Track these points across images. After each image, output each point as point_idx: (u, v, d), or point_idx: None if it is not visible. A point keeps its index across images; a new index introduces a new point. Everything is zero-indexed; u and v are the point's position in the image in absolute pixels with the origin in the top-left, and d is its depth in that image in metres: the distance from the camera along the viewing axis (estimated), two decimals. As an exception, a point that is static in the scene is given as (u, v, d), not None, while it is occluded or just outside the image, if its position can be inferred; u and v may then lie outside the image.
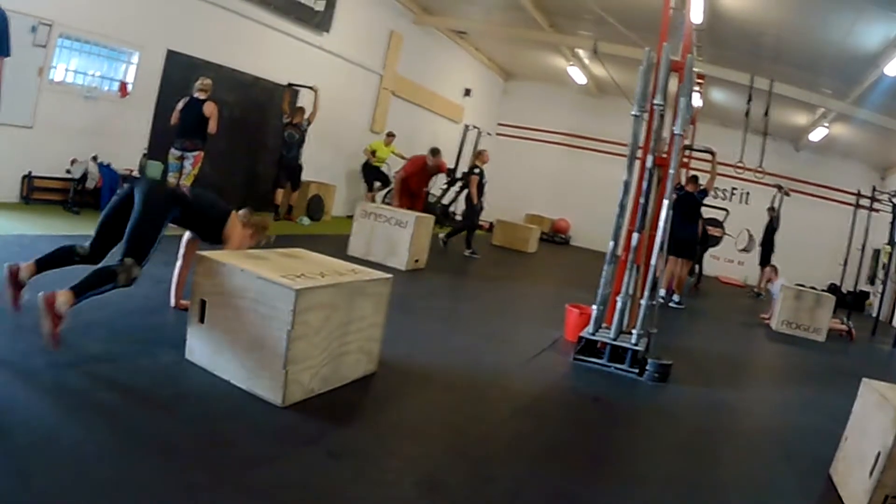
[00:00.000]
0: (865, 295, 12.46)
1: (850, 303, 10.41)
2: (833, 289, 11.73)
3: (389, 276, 3.56)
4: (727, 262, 14.57)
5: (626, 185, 4.90)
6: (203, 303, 3.20)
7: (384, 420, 3.05)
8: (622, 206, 4.88)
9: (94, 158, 7.02)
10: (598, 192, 15.28)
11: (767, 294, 10.64)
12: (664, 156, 5.14)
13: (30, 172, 6.66)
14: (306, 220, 9.90)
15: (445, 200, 13.50)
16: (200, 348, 3.22)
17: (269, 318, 2.90)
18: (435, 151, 8.97)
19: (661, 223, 4.81)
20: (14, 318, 3.24)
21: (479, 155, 10.01)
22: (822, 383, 5.85)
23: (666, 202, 4.82)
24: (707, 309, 9.60)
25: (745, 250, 12.95)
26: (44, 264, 3.34)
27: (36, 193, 6.75)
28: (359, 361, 3.43)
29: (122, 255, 3.37)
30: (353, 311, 3.26)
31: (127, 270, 3.32)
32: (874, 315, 10.93)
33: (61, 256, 3.41)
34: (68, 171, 6.85)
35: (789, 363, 6.70)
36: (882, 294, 10.37)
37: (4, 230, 5.27)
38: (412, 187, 8.91)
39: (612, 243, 4.87)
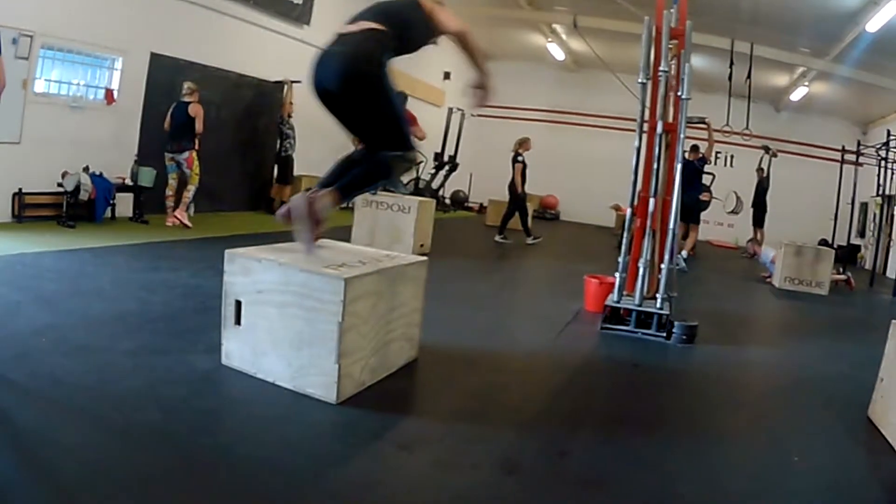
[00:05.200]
0: (857, 248, 12.66)
1: (842, 257, 10.57)
2: (824, 244, 11.87)
3: (425, 258, 3.52)
4: (717, 225, 14.69)
5: (638, 151, 4.94)
6: (238, 304, 3.09)
7: (441, 406, 3.01)
8: (636, 173, 4.92)
9: (86, 169, 6.86)
10: (583, 166, 15.37)
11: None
12: (670, 122, 5.15)
13: (20, 189, 6.47)
14: (301, 215, 9.81)
15: (434, 185, 13.45)
16: (239, 351, 3.10)
17: (316, 312, 2.81)
18: None
19: (675, 187, 4.83)
20: (33, 341, 3.13)
21: (522, 143, 9.98)
22: (836, 334, 5.96)
23: (679, 166, 4.84)
24: (707, 272, 9.68)
25: (733, 212, 13.06)
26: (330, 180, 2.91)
27: (28, 210, 6.55)
28: (402, 348, 3.37)
29: (389, 150, 2.86)
30: (396, 296, 3.20)
31: (405, 161, 2.89)
32: (867, 267, 11.14)
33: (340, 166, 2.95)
34: (60, 185, 6.67)
35: (800, 318, 6.79)
36: (877, 246, 10.53)
37: (3, 251, 5.08)
38: None
39: (629, 210, 4.90)
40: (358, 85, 2.69)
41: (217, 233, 7.37)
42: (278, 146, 9.54)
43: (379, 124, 2.79)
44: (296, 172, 10.05)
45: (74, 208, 6.72)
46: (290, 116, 9.52)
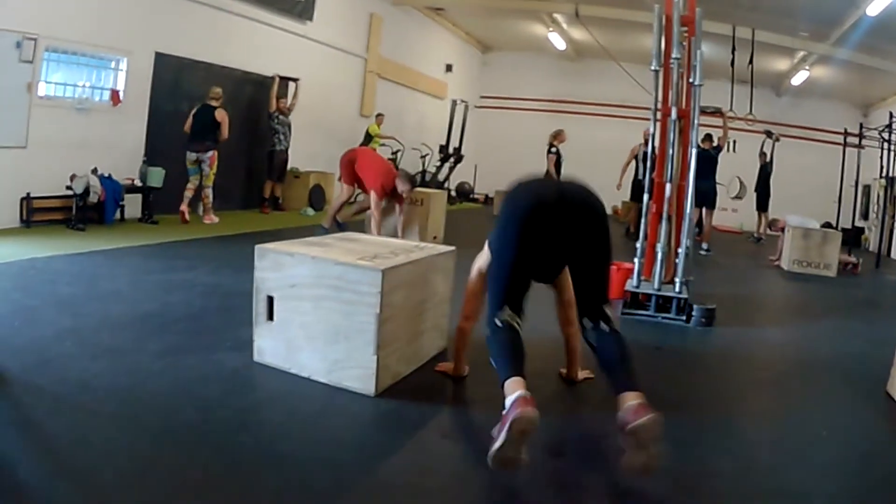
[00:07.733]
0: (861, 230, 12.69)
1: (847, 240, 10.57)
2: (828, 227, 11.87)
3: (453, 249, 3.52)
4: (721, 210, 14.62)
5: (653, 137, 5.02)
6: (270, 299, 3.08)
7: (477, 394, 3.01)
8: (653, 159, 4.97)
9: (94, 171, 6.81)
10: (583, 154, 15.26)
11: (769, 238, 10.81)
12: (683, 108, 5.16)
13: (28, 194, 6.40)
14: (310, 211, 9.80)
15: (440, 177, 13.48)
16: (272, 347, 3.08)
17: (353, 304, 2.80)
18: (414, 181, 6.86)
19: (690, 173, 4.85)
20: (57, 346, 3.08)
21: (557, 135, 10.10)
22: (848, 314, 6.04)
23: (694, 151, 4.86)
24: (717, 256, 9.72)
25: (737, 197, 13.05)
26: (522, 370, 2.39)
27: (37, 215, 6.49)
28: (433, 339, 3.38)
29: (599, 309, 2.62)
30: (428, 287, 3.22)
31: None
32: (871, 249, 11.17)
33: (518, 347, 2.49)
34: (69, 188, 6.61)
35: (811, 299, 6.83)
36: (881, 228, 10.56)
37: (14, 256, 5.02)
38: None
39: (646, 196, 4.94)
40: (605, 224, 2.60)
41: (228, 231, 7.36)
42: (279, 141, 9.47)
43: (606, 269, 2.69)
44: (303, 169, 10.05)
45: (84, 211, 6.67)
46: (280, 112, 9.33)
